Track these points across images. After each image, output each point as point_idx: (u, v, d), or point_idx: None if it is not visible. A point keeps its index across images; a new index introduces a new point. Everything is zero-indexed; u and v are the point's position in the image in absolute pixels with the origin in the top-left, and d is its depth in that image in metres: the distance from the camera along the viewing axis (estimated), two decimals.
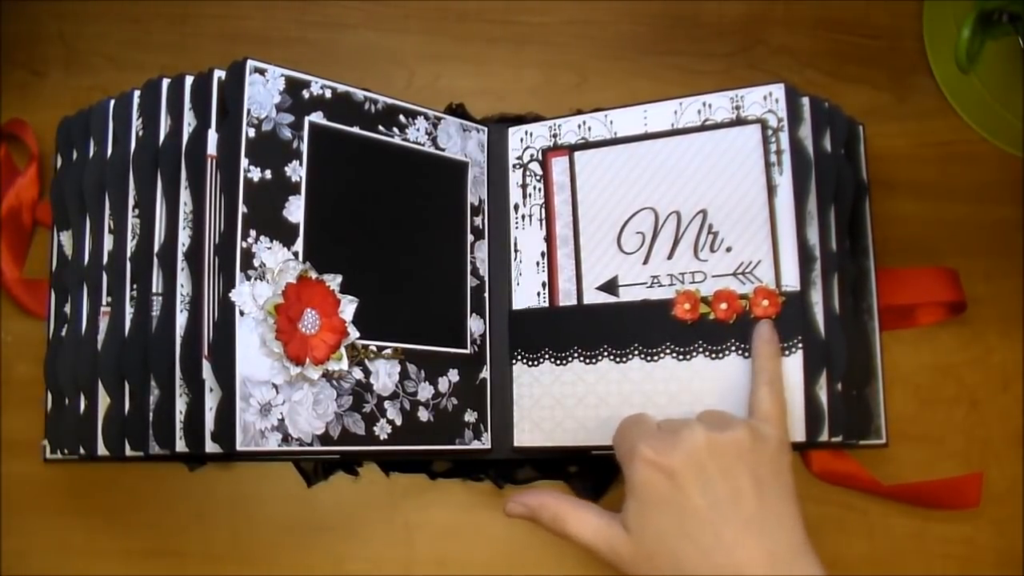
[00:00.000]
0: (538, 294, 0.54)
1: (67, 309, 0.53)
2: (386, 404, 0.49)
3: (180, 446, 0.47)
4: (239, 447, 0.45)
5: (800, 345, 0.48)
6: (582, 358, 0.52)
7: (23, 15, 0.62)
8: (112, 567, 0.56)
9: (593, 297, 0.52)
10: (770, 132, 0.49)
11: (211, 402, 0.46)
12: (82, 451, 0.50)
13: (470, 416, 0.53)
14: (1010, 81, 0.60)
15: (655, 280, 0.51)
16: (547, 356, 0.53)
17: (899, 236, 0.58)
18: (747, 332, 0.48)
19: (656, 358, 0.50)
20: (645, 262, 0.51)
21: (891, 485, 0.55)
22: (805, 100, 0.50)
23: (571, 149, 0.53)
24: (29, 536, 0.56)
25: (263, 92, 0.47)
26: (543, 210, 0.54)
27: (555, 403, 0.52)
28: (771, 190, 0.49)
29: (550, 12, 0.62)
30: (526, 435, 0.53)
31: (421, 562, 0.56)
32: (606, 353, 0.51)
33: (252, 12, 0.62)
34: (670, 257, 0.51)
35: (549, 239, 0.54)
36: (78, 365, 0.50)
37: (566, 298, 0.53)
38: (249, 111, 0.46)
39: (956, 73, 0.58)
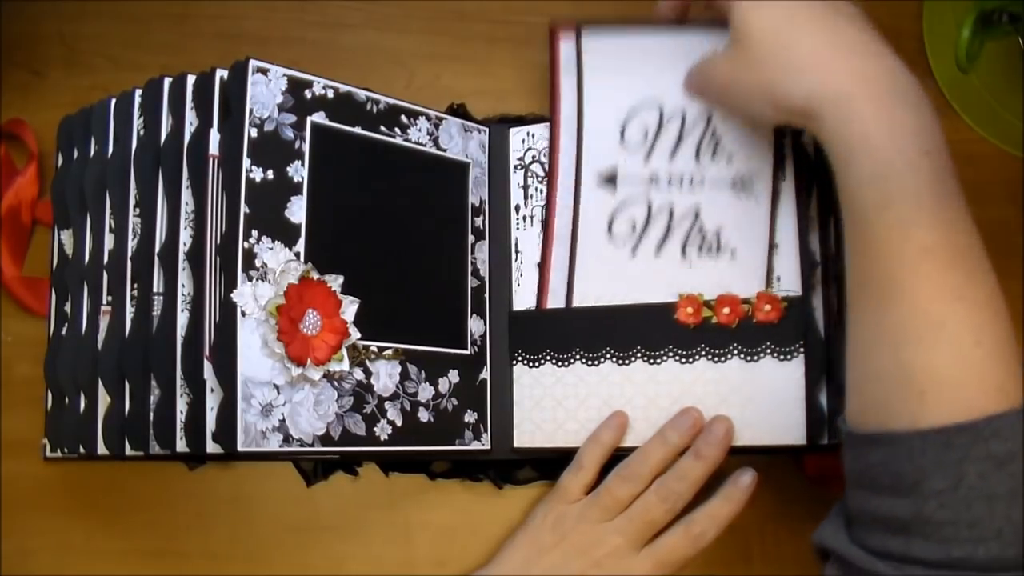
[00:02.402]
0: (539, 295, 0.54)
1: (67, 308, 0.53)
2: (386, 405, 0.49)
3: (181, 446, 0.47)
4: (240, 447, 0.45)
5: (801, 350, 0.48)
6: (584, 360, 0.52)
7: (23, 15, 0.62)
8: (112, 567, 0.56)
9: (590, 179, 0.52)
10: None
11: (212, 402, 0.46)
12: (82, 450, 0.50)
13: (470, 417, 0.53)
14: (1010, 81, 0.60)
15: (654, 178, 0.51)
16: (549, 357, 0.53)
17: None
18: (749, 336, 0.49)
19: (659, 361, 0.50)
20: (648, 158, 0.51)
21: None
22: None
23: (579, 25, 0.53)
24: (29, 536, 0.56)
25: (265, 92, 0.47)
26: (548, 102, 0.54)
27: (556, 404, 0.52)
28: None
29: (550, 12, 0.62)
30: (526, 436, 0.53)
31: (421, 562, 0.56)
32: (608, 355, 0.51)
33: (252, 12, 0.61)
34: (672, 156, 0.51)
35: (553, 125, 0.53)
36: (78, 364, 0.50)
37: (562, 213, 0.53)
38: (251, 111, 0.46)
39: (956, 73, 0.58)
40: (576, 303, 0.52)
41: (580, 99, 0.52)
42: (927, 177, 0.38)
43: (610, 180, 0.51)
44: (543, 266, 0.53)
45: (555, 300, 0.53)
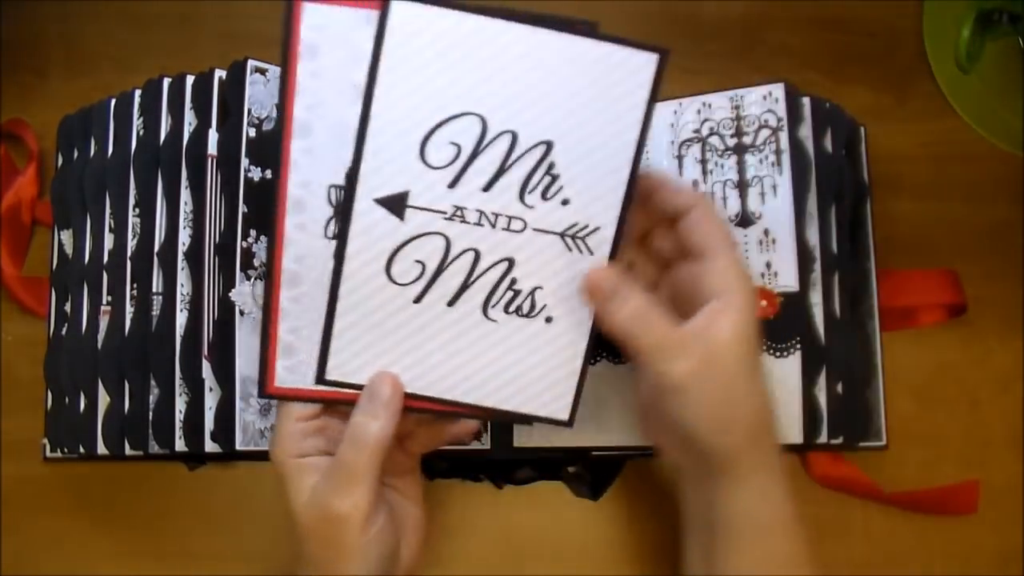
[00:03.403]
0: None
1: (67, 308, 0.53)
2: None
3: (180, 445, 0.47)
4: (239, 447, 0.46)
5: (799, 346, 0.48)
6: None
7: (24, 16, 0.62)
8: (112, 567, 0.56)
9: (363, 213, 0.39)
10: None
11: (211, 402, 0.46)
12: (82, 450, 0.50)
13: None
14: (1010, 81, 0.60)
15: (458, 212, 0.40)
16: None
17: (899, 236, 0.58)
18: None
19: None
20: (452, 185, 0.40)
21: (890, 492, 0.55)
22: (806, 100, 0.50)
23: None
24: (29, 536, 0.56)
25: (264, 92, 0.47)
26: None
27: None
28: (640, 149, 0.40)
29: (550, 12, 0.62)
30: (525, 436, 0.52)
31: (421, 562, 0.56)
32: (604, 354, 0.51)
33: (252, 12, 0.61)
34: (487, 188, 0.40)
35: (285, 102, 0.39)
36: (78, 364, 0.50)
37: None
38: (250, 111, 0.46)
39: (956, 73, 0.58)
40: (332, 372, 0.41)
41: (372, 84, 0.38)
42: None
43: (396, 205, 0.40)
44: (267, 324, 0.40)
45: (291, 373, 0.41)
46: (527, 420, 0.43)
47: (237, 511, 0.56)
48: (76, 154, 0.54)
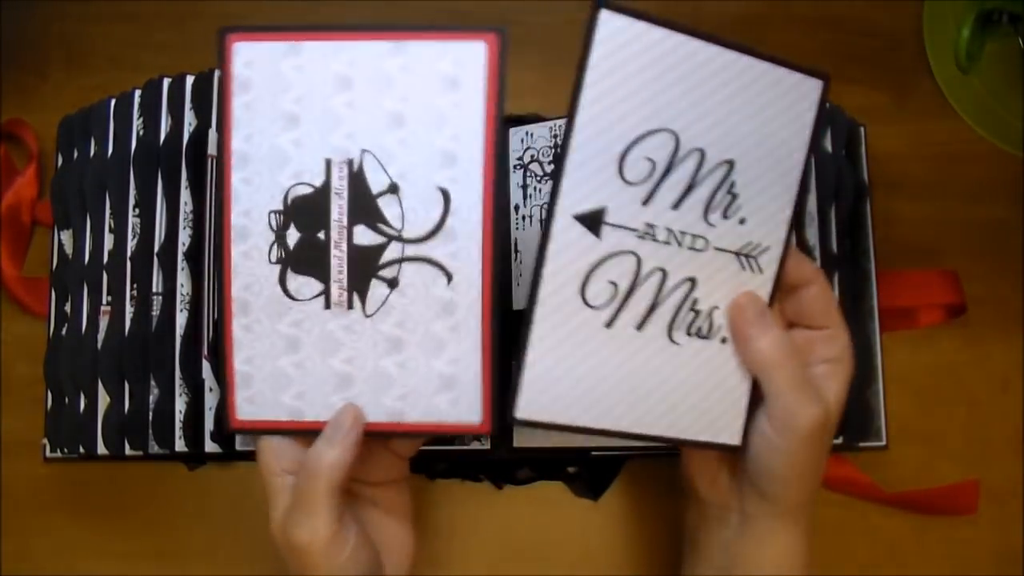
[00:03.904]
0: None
1: (67, 308, 0.53)
2: None
3: (180, 445, 0.47)
4: (239, 447, 0.46)
5: None
6: None
7: (25, 16, 0.62)
8: (112, 567, 0.56)
9: (561, 231, 0.39)
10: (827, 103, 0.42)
11: (211, 402, 0.46)
12: (82, 450, 0.50)
13: None
14: (1010, 81, 0.60)
15: (649, 230, 0.40)
16: None
17: (899, 237, 0.58)
18: None
19: None
20: (646, 201, 0.39)
21: (890, 492, 0.55)
22: None
23: (600, 5, 0.37)
24: (29, 536, 0.56)
25: None
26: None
27: None
28: (806, 170, 0.41)
29: (550, 12, 0.62)
30: (525, 436, 0.52)
31: (421, 562, 0.56)
32: None
33: (252, 12, 0.61)
34: (676, 206, 0.40)
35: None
36: (78, 364, 0.50)
37: None
38: None
39: (956, 73, 0.58)
40: (523, 410, 0.40)
41: (577, 95, 0.38)
42: None
43: (593, 222, 0.39)
44: (223, 357, 0.41)
45: (251, 404, 0.41)
46: (695, 446, 0.42)
47: (237, 511, 0.56)
48: (76, 154, 0.54)
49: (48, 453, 0.53)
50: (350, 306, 0.40)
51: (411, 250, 0.40)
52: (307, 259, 0.40)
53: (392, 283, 0.40)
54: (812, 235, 0.49)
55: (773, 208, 0.41)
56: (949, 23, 0.60)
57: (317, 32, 0.39)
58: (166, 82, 0.49)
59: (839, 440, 0.49)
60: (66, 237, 0.54)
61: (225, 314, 0.40)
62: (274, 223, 0.40)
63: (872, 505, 0.56)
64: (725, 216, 0.40)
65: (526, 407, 0.40)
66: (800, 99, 0.40)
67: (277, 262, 0.40)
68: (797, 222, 0.47)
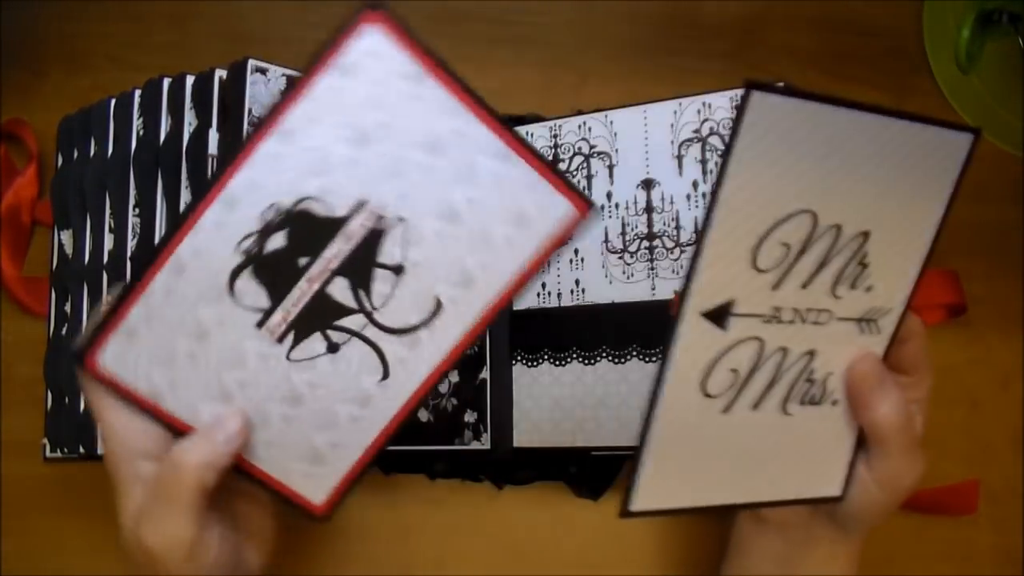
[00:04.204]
0: (538, 295, 0.54)
1: (67, 308, 0.53)
2: None
3: None
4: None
5: None
6: (581, 359, 0.52)
7: (24, 15, 0.62)
8: (112, 567, 0.56)
9: (687, 331, 0.35)
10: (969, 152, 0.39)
11: None
12: (82, 450, 0.50)
13: (470, 416, 0.53)
14: (1010, 81, 0.60)
15: (776, 314, 0.37)
16: (546, 357, 0.53)
17: None
18: None
19: (654, 359, 0.50)
20: (776, 286, 0.36)
21: None
22: None
23: (750, 87, 0.33)
24: (29, 536, 0.56)
25: (264, 92, 0.47)
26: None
27: (554, 404, 0.52)
28: (942, 228, 0.39)
29: (550, 12, 0.62)
30: (525, 436, 0.53)
31: (421, 562, 0.56)
32: (604, 354, 0.51)
33: (252, 12, 0.61)
34: (805, 286, 0.37)
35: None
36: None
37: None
38: (250, 110, 0.46)
39: (956, 73, 0.58)
40: (637, 503, 0.37)
41: (718, 188, 0.34)
42: None
43: (720, 316, 0.36)
44: (124, 295, 0.37)
45: (119, 361, 0.38)
46: (798, 503, 0.42)
47: None
48: (76, 154, 0.54)
49: (48, 453, 0.53)
50: (280, 340, 0.38)
51: (371, 332, 0.38)
52: (273, 271, 0.37)
53: (333, 347, 0.38)
54: None
55: (903, 271, 0.39)
56: (949, 23, 0.60)
57: (453, 80, 0.36)
58: (166, 82, 0.49)
59: None
60: (66, 237, 0.54)
61: (157, 261, 0.36)
62: (269, 216, 0.36)
63: None
64: (853, 287, 0.38)
65: (641, 500, 0.37)
66: (946, 156, 0.38)
67: (243, 253, 0.36)
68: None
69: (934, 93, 0.61)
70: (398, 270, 0.38)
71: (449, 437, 0.52)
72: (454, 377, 0.52)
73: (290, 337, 0.38)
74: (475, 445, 0.52)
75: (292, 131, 0.35)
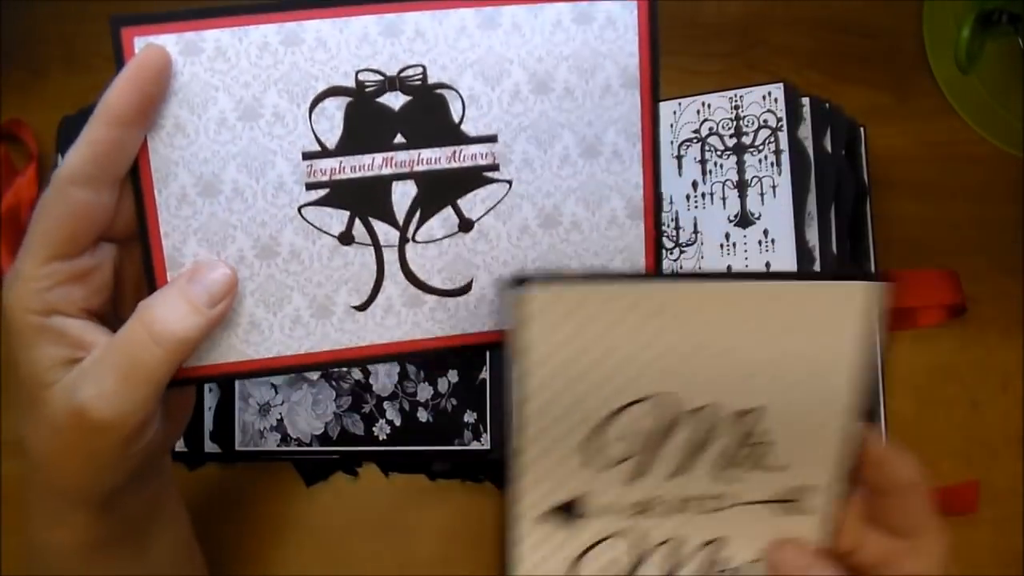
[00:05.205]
0: None
1: None
2: (385, 404, 0.49)
3: (179, 445, 0.47)
4: (238, 447, 0.46)
5: None
6: None
7: (23, 15, 0.62)
8: None
9: (527, 533, 0.33)
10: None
11: (210, 402, 0.46)
12: None
13: (469, 416, 0.53)
14: (1010, 81, 0.60)
15: (642, 508, 0.34)
16: None
17: (899, 237, 0.58)
18: None
19: None
20: (632, 479, 0.33)
21: None
22: (805, 100, 0.50)
23: (520, 281, 0.30)
24: None
25: None
26: None
27: None
28: (858, 391, 0.34)
29: None
30: None
31: (421, 562, 0.56)
32: None
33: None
34: (680, 473, 0.34)
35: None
36: None
37: None
38: None
39: (956, 73, 0.58)
40: None
41: (523, 380, 0.31)
42: None
43: (566, 516, 0.33)
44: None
45: None
46: None
47: (237, 511, 0.56)
48: None
49: None
50: (308, 188, 0.34)
51: (389, 256, 0.35)
52: (369, 120, 0.34)
53: (346, 238, 0.35)
54: (812, 235, 0.49)
55: (819, 443, 0.34)
56: (949, 23, 0.60)
57: None
58: None
59: None
60: None
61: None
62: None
63: None
64: (758, 466, 0.34)
65: None
66: (842, 312, 0.33)
67: (357, 82, 0.33)
68: (801, 224, 0.47)
69: (934, 93, 0.61)
70: (466, 226, 0.35)
71: (449, 437, 0.52)
72: (454, 377, 0.52)
73: (319, 193, 0.34)
74: (475, 445, 0.52)
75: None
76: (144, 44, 0.32)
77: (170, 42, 0.32)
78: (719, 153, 0.51)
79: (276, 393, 0.45)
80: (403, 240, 0.35)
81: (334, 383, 0.47)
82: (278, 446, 0.46)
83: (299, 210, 0.34)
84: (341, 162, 0.34)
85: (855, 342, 0.33)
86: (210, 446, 0.46)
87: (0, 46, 0.61)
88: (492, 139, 0.34)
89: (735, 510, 0.35)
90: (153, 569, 0.38)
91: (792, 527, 0.35)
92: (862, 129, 0.56)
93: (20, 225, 0.59)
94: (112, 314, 0.34)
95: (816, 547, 0.36)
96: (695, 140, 0.51)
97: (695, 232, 0.51)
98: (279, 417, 0.46)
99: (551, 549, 0.34)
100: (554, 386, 0.31)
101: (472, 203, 0.35)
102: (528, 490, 0.32)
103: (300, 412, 0.46)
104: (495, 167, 0.34)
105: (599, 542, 0.34)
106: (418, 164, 0.34)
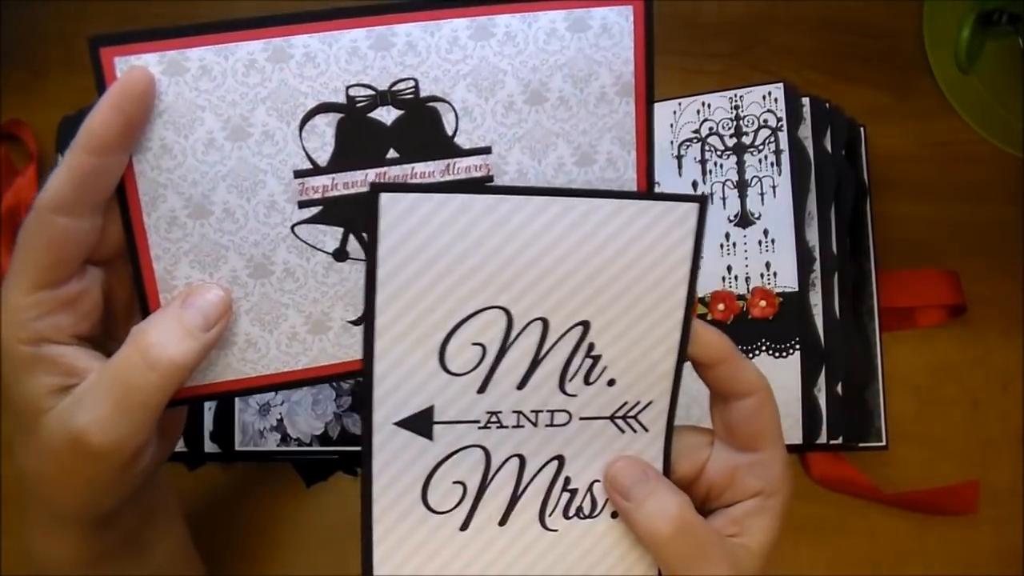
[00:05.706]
0: None
1: None
2: None
3: (179, 445, 0.47)
4: (238, 447, 0.46)
5: (798, 347, 0.48)
6: None
7: (24, 15, 0.62)
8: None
9: (385, 442, 0.34)
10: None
11: (210, 402, 0.46)
12: None
13: None
14: (1010, 81, 0.60)
15: (493, 418, 0.35)
16: None
17: (899, 236, 0.58)
18: (744, 332, 0.48)
19: None
20: (482, 389, 0.34)
21: (890, 493, 0.55)
22: (805, 100, 0.50)
23: (378, 189, 0.31)
24: None
25: None
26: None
27: None
28: (688, 308, 0.35)
29: None
30: None
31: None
32: None
33: (250, 12, 0.61)
34: (522, 386, 0.35)
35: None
36: None
37: None
38: None
39: (956, 73, 0.58)
40: None
41: (371, 295, 0.32)
42: None
43: (421, 425, 0.34)
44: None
45: None
46: None
47: (237, 511, 0.56)
48: None
49: None
50: (301, 206, 0.34)
51: None
52: (360, 132, 0.33)
53: (341, 254, 0.35)
54: (812, 235, 0.49)
55: (650, 360, 0.35)
56: (949, 23, 0.60)
57: None
58: None
59: (839, 440, 0.49)
60: None
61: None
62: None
63: (872, 505, 0.56)
64: (588, 382, 0.35)
65: None
66: (667, 232, 0.34)
67: (347, 97, 0.33)
68: (801, 224, 0.47)
69: (934, 93, 0.61)
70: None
71: None
72: None
73: (312, 211, 0.34)
74: None
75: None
76: (126, 65, 0.32)
77: (152, 61, 0.32)
78: (719, 153, 0.51)
79: (276, 393, 0.45)
80: None
81: (334, 383, 0.47)
82: (278, 446, 0.46)
83: (292, 228, 0.34)
84: (334, 179, 0.34)
85: (687, 260, 0.35)
86: (210, 446, 0.46)
87: (0, 46, 0.61)
88: (486, 151, 0.34)
89: (575, 425, 0.36)
90: (152, 572, 0.39)
91: (630, 445, 0.36)
92: (862, 129, 0.56)
93: (20, 224, 0.59)
94: (104, 336, 0.34)
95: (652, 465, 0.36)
96: (695, 140, 0.51)
97: None
98: (279, 417, 0.46)
99: (406, 462, 0.34)
100: (405, 297, 0.33)
101: None
102: (383, 399, 0.33)
103: (300, 412, 0.46)
104: (490, 179, 0.35)
105: (451, 455, 0.35)
106: (412, 178, 0.34)
